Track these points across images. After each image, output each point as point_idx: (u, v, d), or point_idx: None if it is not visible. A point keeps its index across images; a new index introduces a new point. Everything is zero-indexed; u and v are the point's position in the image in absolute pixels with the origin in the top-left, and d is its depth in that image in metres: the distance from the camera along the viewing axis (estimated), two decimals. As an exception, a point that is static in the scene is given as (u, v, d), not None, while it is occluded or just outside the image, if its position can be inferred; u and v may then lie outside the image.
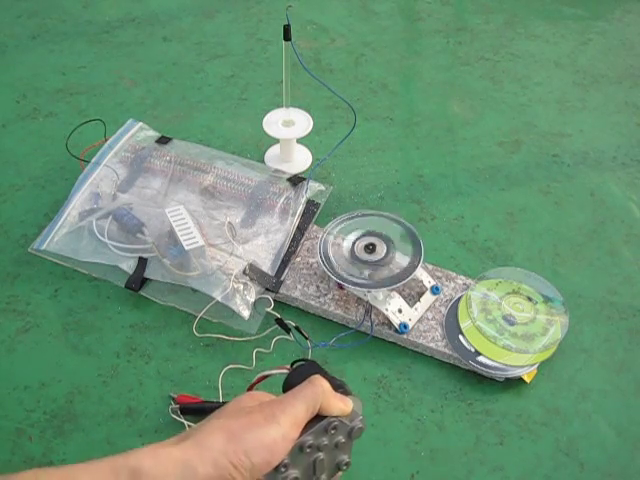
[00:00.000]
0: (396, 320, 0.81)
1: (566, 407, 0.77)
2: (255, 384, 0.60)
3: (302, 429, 0.48)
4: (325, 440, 0.49)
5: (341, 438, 0.50)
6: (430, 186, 1.01)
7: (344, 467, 0.51)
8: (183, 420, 0.74)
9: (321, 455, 0.49)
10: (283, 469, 0.47)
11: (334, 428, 0.49)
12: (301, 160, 1.03)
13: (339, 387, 0.52)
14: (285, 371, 0.55)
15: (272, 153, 1.03)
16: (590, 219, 0.97)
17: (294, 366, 0.55)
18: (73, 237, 0.90)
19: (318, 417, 0.49)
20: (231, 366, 0.79)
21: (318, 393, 0.48)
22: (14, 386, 0.78)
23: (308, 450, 0.48)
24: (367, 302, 0.81)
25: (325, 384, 0.49)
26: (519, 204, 0.99)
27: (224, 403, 0.74)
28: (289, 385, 0.52)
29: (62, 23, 1.30)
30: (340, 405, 0.49)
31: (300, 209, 0.92)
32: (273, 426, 0.46)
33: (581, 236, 0.95)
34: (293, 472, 0.48)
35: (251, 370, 0.79)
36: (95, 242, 0.89)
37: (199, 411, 0.75)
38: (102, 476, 0.43)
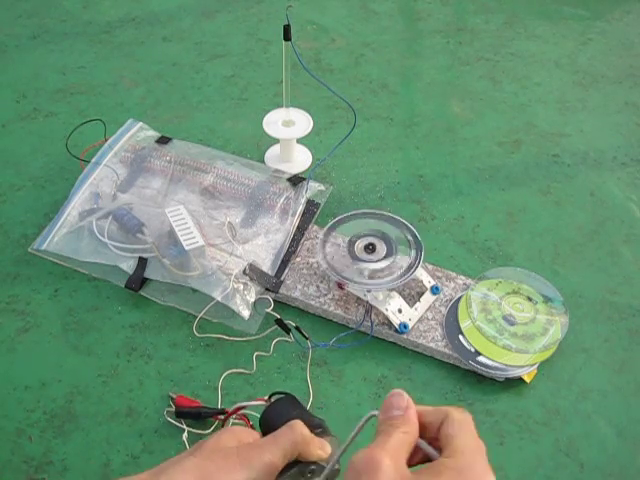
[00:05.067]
0: (396, 320, 0.81)
1: (566, 407, 0.77)
2: (231, 414, 0.60)
3: (279, 473, 0.47)
4: None
5: None
6: (430, 186, 1.01)
7: None
8: (180, 424, 0.74)
9: None
10: None
11: (311, 472, 0.49)
12: (301, 160, 1.03)
13: (317, 427, 0.51)
14: (262, 403, 0.54)
15: (272, 153, 1.03)
16: (590, 219, 0.97)
17: (272, 399, 0.54)
18: (73, 237, 0.90)
19: (295, 460, 0.48)
20: (231, 371, 0.79)
21: (297, 441, 0.48)
22: (14, 386, 0.78)
23: None
24: (367, 302, 0.81)
25: (305, 431, 0.49)
26: (519, 204, 0.99)
27: (221, 410, 0.74)
28: (266, 421, 0.51)
29: (62, 23, 1.30)
30: (318, 452, 0.49)
31: (300, 209, 0.92)
32: (247, 471, 0.45)
33: (581, 236, 0.95)
34: None
35: (251, 374, 0.79)
36: (95, 242, 0.88)
37: (195, 416, 0.75)
38: None
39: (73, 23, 1.30)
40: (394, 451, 0.40)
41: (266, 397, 0.55)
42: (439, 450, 0.41)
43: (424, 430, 0.43)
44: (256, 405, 0.54)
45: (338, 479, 0.48)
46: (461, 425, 0.42)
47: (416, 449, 0.42)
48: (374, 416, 0.43)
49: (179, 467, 0.45)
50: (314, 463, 0.48)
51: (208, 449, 0.47)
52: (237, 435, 0.49)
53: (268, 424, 0.50)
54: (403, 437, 0.41)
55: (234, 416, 0.65)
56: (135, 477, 0.45)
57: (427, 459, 0.42)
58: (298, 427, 0.49)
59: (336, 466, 0.48)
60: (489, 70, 1.21)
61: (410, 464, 0.42)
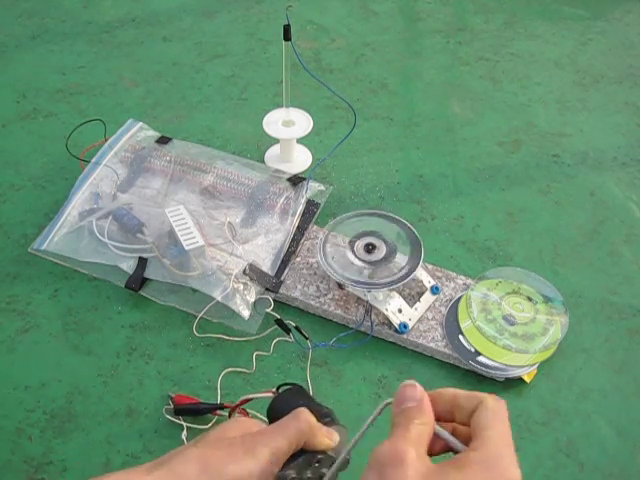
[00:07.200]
0: (396, 320, 0.81)
1: (566, 407, 0.77)
2: (238, 406, 0.59)
3: (285, 463, 0.46)
4: (309, 473, 0.47)
5: (325, 470, 0.47)
6: (430, 186, 1.01)
7: None
8: (181, 422, 0.74)
9: None
10: None
11: (318, 462, 0.47)
12: (301, 160, 1.03)
13: (325, 416, 0.50)
14: (270, 395, 0.53)
15: (272, 153, 1.03)
16: (590, 219, 0.97)
17: (279, 390, 0.53)
18: (73, 237, 0.90)
19: (302, 450, 0.47)
20: (230, 369, 0.79)
21: (303, 429, 0.47)
22: (14, 386, 0.78)
23: None
24: (367, 302, 0.81)
25: (311, 419, 0.48)
26: (519, 204, 0.99)
27: (220, 405, 0.74)
28: (273, 411, 0.50)
29: (62, 23, 1.30)
30: (326, 441, 0.48)
31: (300, 209, 0.92)
32: (251, 460, 0.44)
33: (581, 236, 0.95)
34: None
35: (251, 373, 0.79)
36: (95, 242, 0.88)
37: (194, 412, 0.74)
38: None
39: (73, 23, 1.30)
40: (416, 442, 0.39)
41: (274, 389, 0.54)
42: (465, 440, 0.41)
43: (455, 414, 0.43)
44: (263, 397, 0.54)
45: (354, 471, 0.47)
46: (495, 415, 0.41)
47: (435, 439, 0.41)
48: (389, 404, 0.42)
49: (181, 457, 0.44)
50: (322, 453, 0.47)
51: (211, 439, 0.46)
52: (243, 425, 0.48)
53: (275, 415, 0.49)
54: (421, 428, 0.41)
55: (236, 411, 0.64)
56: (136, 468, 0.44)
57: (448, 449, 0.41)
58: (303, 415, 0.47)
59: (346, 456, 0.47)
60: (489, 70, 1.21)
61: (430, 454, 0.41)
